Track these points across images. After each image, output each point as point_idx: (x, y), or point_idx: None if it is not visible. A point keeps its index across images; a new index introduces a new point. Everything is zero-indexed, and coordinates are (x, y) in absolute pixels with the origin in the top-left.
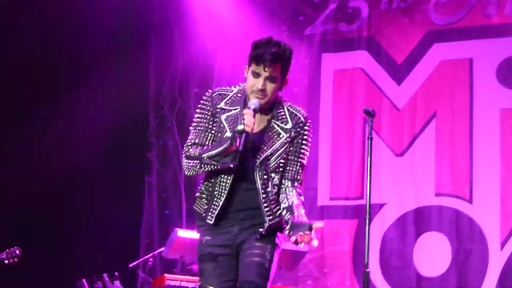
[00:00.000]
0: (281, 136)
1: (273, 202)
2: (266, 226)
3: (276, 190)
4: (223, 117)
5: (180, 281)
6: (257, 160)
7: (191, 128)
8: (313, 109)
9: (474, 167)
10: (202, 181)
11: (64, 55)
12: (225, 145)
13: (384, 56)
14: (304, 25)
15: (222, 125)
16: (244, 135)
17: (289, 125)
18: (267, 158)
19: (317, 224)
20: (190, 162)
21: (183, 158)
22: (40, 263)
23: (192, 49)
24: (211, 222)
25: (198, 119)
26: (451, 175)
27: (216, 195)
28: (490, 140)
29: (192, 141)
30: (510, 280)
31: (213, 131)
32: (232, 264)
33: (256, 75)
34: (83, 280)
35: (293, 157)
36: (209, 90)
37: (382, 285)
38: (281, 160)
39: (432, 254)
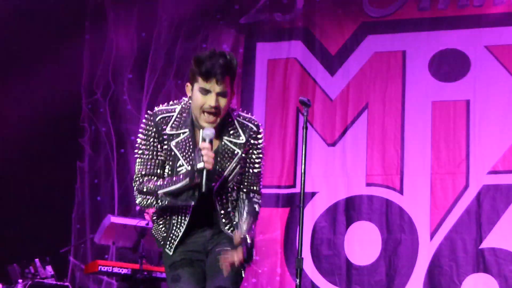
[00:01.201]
0: (235, 153)
1: (231, 212)
2: (228, 235)
3: (234, 204)
4: (173, 144)
5: (113, 266)
6: (215, 185)
7: (136, 156)
8: (246, 98)
9: (405, 158)
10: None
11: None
12: (183, 183)
13: (318, 46)
14: (240, 14)
15: (173, 153)
16: (204, 172)
17: (242, 139)
18: (226, 181)
19: (225, 256)
20: (144, 197)
21: (135, 192)
22: None
23: (127, 35)
24: (170, 253)
25: (143, 147)
26: (382, 166)
27: (175, 224)
28: (421, 132)
29: (141, 173)
30: (439, 269)
31: (161, 157)
32: (204, 270)
33: (206, 92)
34: (15, 264)
35: (247, 169)
36: (149, 112)
37: (312, 273)
38: (238, 177)
39: (363, 243)
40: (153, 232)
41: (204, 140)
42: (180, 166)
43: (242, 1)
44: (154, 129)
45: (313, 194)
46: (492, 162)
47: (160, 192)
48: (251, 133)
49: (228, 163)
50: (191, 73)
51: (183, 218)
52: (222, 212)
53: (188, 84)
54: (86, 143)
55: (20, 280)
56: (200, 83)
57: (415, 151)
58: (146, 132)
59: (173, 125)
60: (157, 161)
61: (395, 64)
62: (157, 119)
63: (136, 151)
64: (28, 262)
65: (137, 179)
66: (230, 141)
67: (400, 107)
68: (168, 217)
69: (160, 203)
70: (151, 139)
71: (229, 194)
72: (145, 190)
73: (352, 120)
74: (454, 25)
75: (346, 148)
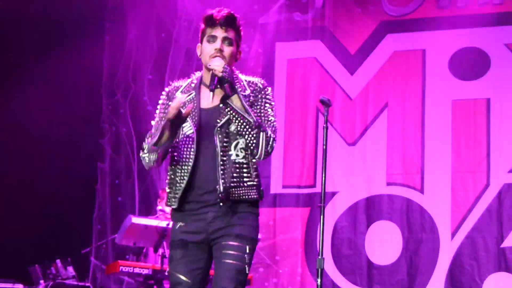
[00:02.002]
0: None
1: (236, 166)
2: (218, 191)
3: (243, 154)
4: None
5: (134, 267)
6: (217, 124)
7: (152, 123)
8: None
9: (426, 157)
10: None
11: (17, 39)
12: (162, 124)
13: (338, 46)
14: (259, 14)
15: (179, 111)
16: (216, 79)
17: (247, 92)
18: (228, 122)
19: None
20: (146, 154)
21: (140, 153)
22: None
23: (146, 36)
24: (175, 206)
25: (157, 116)
26: (402, 165)
27: (178, 179)
28: (441, 131)
29: (148, 134)
30: (460, 268)
31: None
32: (202, 253)
33: (212, 38)
34: (36, 265)
35: (258, 117)
36: (166, 89)
37: (333, 272)
38: (244, 123)
39: (383, 243)
40: (167, 202)
41: (210, 68)
42: (185, 122)
43: (261, 1)
44: (166, 97)
45: (333, 193)
46: None
47: (149, 145)
48: (257, 88)
49: (232, 109)
50: (201, 32)
51: (185, 172)
52: (221, 153)
53: (198, 44)
54: (106, 143)
55: (41, 281)
56: (207, 32)
57: (435, 150)
58: (161, 102)
59: (183, 90)
60: None
61: (415, 63)
62: (169, 90)
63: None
64: (50, 263)
65: (144, 139)
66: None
67: (420, 106)
68: (173, 175)
69: (151, 156)
70: (163, 106)
71: (235, 137)
72: (143, 147)
73: (372, 119)
74: (474, 23)
75: (366, 148)
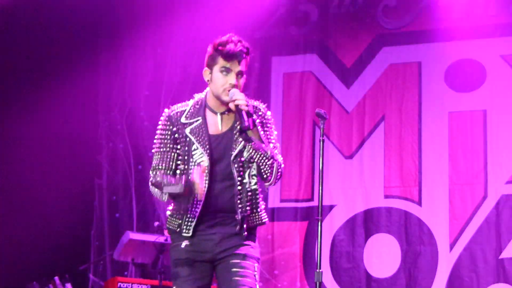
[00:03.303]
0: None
1: (250, 193)
2: (237, 219)
3: (255, 180)
4: (187, 131)
5: (132, 283)
6: (232, 153)
7: (153, 151)
8: None
9: (423, 169)
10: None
11: (13, 57)
12: (173, 189)
13: (334, 59)
14: (254, 28)
15: (188, 138)
16: (243, 112)
17: (255, 117)
18: (242, 151)
19: None
20: (156, 191)
21: (150, 185)
22: None
23: (143, 51)
24: (189, 235)
25: (159, 142)
26: (400, 177)
27: (190, 206)
28: (438, 143)
29: (157, 167)
30: (459, 281)
31: (176, 150)
32: (208, 270)
33: (227, 71)
34: (34, 282)
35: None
36: (165, 110)
37: (332, 286)
38: (262, 155)
39: (382, 256)
40: (168, 226)
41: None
42: (194, 149)
43: (257, 16)
44: (169, 122)
45: (331, 207)
46: (510, 172)
47: (163, 187)
48: (260, 113)
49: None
50: (211, 58)
51: (198, 201)
52: (238, 183)
53: (206, 68)
54: (104, 160)
55: None
56: (221, 63)
57: (432, 162)
58: (162, 127)
59: (187, 115)
60: (172, 154)
61: (410, 75)
62: (171, 114)
63: (153, 146)
64: (48, 279)
65: (151, 172)
66: None
67: (416, 119)
68: (182, 204)
69: (164, 197)
70: (167, 132)
71: (248, 165)
72: (155, 182)
73: (369, 132)
74: (469, 35)
75: (363, 161)
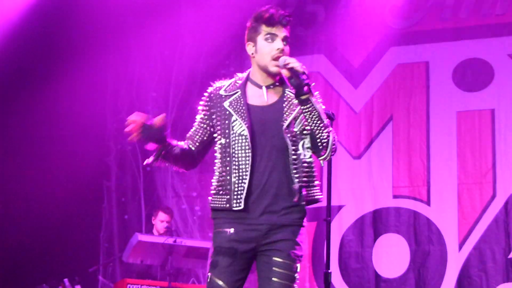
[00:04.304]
0: (296, 103)
1: (305, 165)
2: (296, 190)
3: (310, 154)
4: (226, 104)
5: (141, 285)
6: (284, 124)
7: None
8: None
9: (432, 169)
10: (214, 176)
11: (22, 59)
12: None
13: (341, 60)
14: None
15: (227, 112)
16: (300, 74)
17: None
18: (293, 123)
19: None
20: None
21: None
22: (0, 269)
23: (150, 53)
24: (241, 207)
25: (198, 116)
26: (408, 177)
27: (236, 179)
28: (446, 142)
29: (189, 134)
30: (468, 280)
31: (208, 128)
32: (248, 262)
33: (272, 37)
34: (44, 285)
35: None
36: (208, 89)
37: (341, 286)
38: (305, 123)
39: (391, 256)
40: (212, 205)
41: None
42: (234, 121)
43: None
44: (208, 99)
45: (340, 207)
46: None
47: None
48: None
49: (293, 109)
50: (252, 30)
51: (244, 171)
52: (293, 153)
53: (249, 42)
54: (112, 162)
55: None
56: (265, 30)
57: (441, 162)
58: (202, 103)
59: (226, 88)
60: (201, 130)
61: (418, 75)
62: (212, 89)
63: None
64: (58, 282)
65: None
66: (291, 93)
67: (425, 118)
68: (228, 177)
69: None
70: (204, 108)
71: (301, 137)
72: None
73: (377, 132)
74: (477, 34)
75: (371, 161)
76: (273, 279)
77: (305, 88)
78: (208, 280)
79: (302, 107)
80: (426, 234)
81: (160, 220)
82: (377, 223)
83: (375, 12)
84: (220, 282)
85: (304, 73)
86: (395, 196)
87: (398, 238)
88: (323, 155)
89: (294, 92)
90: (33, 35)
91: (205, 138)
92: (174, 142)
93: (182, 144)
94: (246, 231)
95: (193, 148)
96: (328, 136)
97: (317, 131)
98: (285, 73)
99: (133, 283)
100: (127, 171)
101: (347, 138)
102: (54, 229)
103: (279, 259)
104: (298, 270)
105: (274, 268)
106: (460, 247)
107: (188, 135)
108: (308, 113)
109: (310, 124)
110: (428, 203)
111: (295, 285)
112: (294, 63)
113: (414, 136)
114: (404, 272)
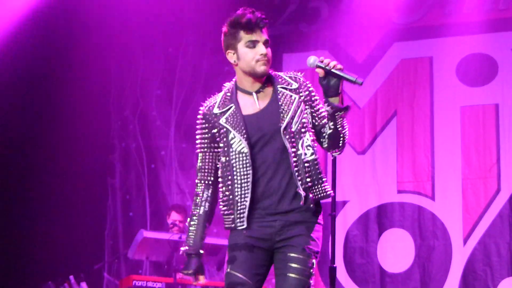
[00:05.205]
0: (293, 97)
1: (307, 164)
2: (301, 194)
3: (311, 151)
4: (222, 121)
5: (147, 281)
6: (281, 125)
7: (197, 151)
8: None
9: (436, 164)
10: (219, 195)
11: (25, 60)
12: (188, 252)
13: (345, 55)
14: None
15: (224, 128)
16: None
17: (295, 85)
18: (290, 122)
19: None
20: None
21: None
22: (5, 266)
23: (153, 51)
24: (244, 226)
25: (199, 142)
26: (412, 172)
27: (239, 198)
28: (451, 137)
29: (200, 169)
30: (473, 275)
31: (215, 148)
32: (267, 259)
33: (253, 43)
34: (49, 282)
35: (319, 110)
36: (200, 108)
37: (346, 281)
38: (303, 120)
39: (396, 251)
40: (225, 226)
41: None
42: (232, 138)
43: (267, 13)
44: (204, 119)
45: (344, 202)
46: None
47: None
48: (302, 82)
49: (289, 106)
50: (230, 37)
51: (245, 187)
52: (293, 154)
53: (229, 50)
54: (116, 159)
55: None
56: (245, 37)
57: (445, 157)
58: (199, 126)
59: (219, 105)
60: (210, 154)
61: (422, 70)
62: (205, 111)
63: (196, 146)
64: (63, 279)
65: (197, 173)
66: (284, 88)
67: (428, 113)
68: (231, 196)
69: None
70: (204, 130)
71: (299, 136)
72: (195, 195)
73: (381, 127)
74: (480, 29)
75: (376, 156)
76: (288, 274)
77: (359, 82)
78: (226, 274)
79: (335, 113)
80: (431, 229)
81: (173, 220)
82: (381, 218)
83: (379, 7)
84: (239, 275)
85: (341, 69)
86: (399, 191)
87: (403, 233)
88: (337, 152)
89: (325, 92)
90: (36, 34)
91: (217, 162)
92: (204, 234)
93: (202, 214)
94: (259, 228)
95: (210, 180)
96: (346, 134)
97: (342, 129)
98: (320, 73)
99: (138, 279)
100: (131, 169)
101: (351, 133)
102: (59, 227)
103: (294, 254)
104: (314, 265)
105: (289, 264)
106: (465, 242)
107: (197, 167)
108: (339, 117)
109: (336, 124)
110: (432, 198)
111: (311, 281)
112: (333, 61)
113: (418, 131)
114: (409, 267)
